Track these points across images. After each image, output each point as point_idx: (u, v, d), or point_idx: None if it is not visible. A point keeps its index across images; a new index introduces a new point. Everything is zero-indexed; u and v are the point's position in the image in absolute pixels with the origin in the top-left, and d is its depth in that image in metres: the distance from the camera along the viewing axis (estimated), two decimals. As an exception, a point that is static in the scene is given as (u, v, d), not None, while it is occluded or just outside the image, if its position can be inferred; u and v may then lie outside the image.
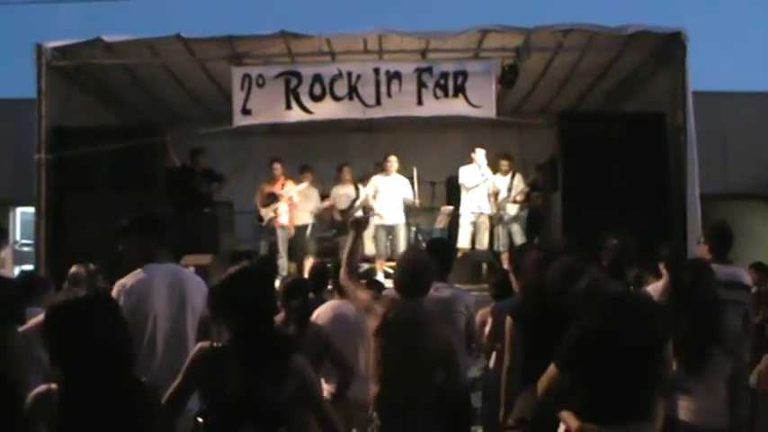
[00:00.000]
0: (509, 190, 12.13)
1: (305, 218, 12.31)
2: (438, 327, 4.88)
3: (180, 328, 4.75)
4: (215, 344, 3.48)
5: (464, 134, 13.10)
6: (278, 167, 12.25)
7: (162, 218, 5.43)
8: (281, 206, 12.04)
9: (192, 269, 6.03)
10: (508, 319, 4.97)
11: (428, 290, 4.98)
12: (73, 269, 6.56)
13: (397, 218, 11.94)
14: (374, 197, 11.99)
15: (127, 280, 4.74)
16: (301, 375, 3.46)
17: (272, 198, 12.14)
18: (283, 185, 12.13)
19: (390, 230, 11.85)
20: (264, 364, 3.37)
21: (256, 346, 3.39)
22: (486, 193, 12.00)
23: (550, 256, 4.84)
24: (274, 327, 3.66)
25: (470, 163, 12.04)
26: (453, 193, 13.02)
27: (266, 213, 12.18)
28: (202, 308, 4.68)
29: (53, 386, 2.90)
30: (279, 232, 12.08)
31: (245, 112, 10.60)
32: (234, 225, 13.74)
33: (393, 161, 11.96)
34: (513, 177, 12.30)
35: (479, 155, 12.00)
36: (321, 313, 6.06)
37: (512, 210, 12.14)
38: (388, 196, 11.91)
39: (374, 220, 11.98)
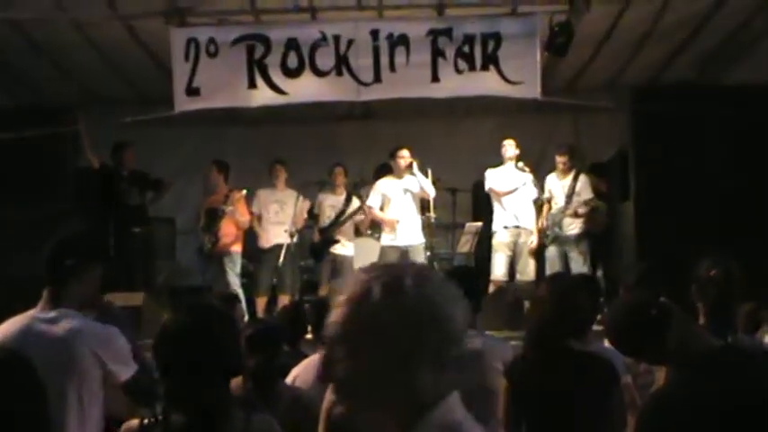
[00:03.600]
0: (569, 197, 11.71)
1: (278, 236, 11.98)
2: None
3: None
4: (145, 420, 3.44)
5: (496, 122, 13.25)
6: (214, 172, 12.04)
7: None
8: (225, 228, 11.67)
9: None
10: (502, 380, 5.07)
11: None
12: None
13: (412, 237, 11.79)
14: (381, 209, 11.84)
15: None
16: None
17: (211, 217, 11.80)
18: (227, 198, 11.65)
19: (404, 255, 11.56)
20: None
21: (202, 418, 3.33)
22: (528, 200, 11.88)
23: (559, 293, 5.00)
24: (230, 393, 3.63)
25: (501, 162, 11.94)
26: (482, 205, 12.98)
27: (204, 239, 11.88)
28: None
29: None
30: (225, 261, 11.69)
31: (192, 91, 10.63)
32: (175, 250, 13.75)
33: (405, 156, 11.68)
34: (575, 179, 11.79)
35: (509, 148, 11.88)
36: (301, 373, 5.86)
37: (571, 227, 11.74)
38: (401, 207, 11.73)
39: (382, 240, 11.96)
